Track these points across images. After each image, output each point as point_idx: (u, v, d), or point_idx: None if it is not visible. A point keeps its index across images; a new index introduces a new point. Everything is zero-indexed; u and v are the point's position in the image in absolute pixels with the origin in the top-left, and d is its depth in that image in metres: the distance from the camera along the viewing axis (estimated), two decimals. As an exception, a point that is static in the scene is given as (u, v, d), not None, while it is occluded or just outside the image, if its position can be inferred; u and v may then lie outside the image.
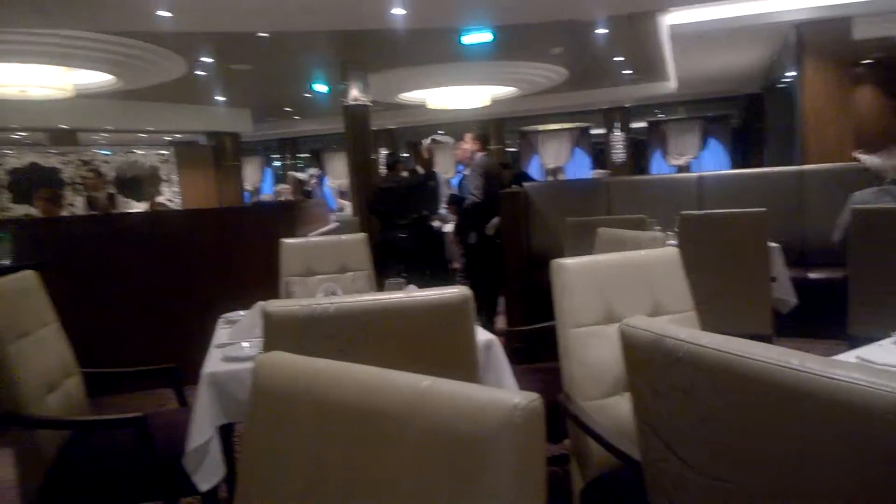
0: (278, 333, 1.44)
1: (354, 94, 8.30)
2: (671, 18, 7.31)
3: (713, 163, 15.10)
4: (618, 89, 12.37)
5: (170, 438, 1.99)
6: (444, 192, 6.80)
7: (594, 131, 16.10)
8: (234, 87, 10.74)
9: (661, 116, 15.54)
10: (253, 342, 2.10)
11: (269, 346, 1.42)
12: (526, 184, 6.04)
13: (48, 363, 2.12)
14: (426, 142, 6.54)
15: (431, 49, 8.44)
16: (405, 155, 7.86)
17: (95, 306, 4.24)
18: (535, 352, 3.06)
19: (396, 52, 8.32)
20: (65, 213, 7.16)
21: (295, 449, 0.89)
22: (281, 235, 3.34)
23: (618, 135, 14.19)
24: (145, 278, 4.43)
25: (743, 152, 14.77)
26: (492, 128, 14.49)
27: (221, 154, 13.82)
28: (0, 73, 7.45)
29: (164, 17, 5.84)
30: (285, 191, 8.85)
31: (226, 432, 1.98)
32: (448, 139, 6.60)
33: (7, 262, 3.64)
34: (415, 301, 1.51)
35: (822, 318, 3.72)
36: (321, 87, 10.53)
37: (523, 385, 2.03)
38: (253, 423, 0.96)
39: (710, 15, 7.11)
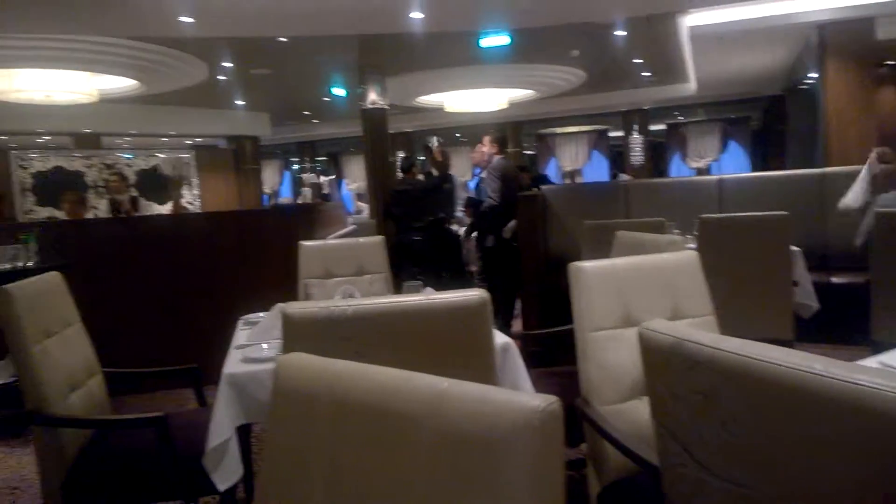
0: (297, 335, 1.45)
1: (372, 97, 8.34)
2: (691, 20, 7.25)
3: (733, 165, 14.95)
4: (636, 91, 12.29)
5: (189, 438, 2.01)
6: (461, 195, 6.80)
7: (612, 134, 16.02)
8: (253, 91, 10.85)
9: (680, 119, 15.42)
10: (272, 344, 2.12)
11: (288, 347, 1.43)
12: (544, 187, 6.03)
13: (72, 363, 2.15)
14: (434, 143, 6.53)
15: (449, 52, 8.46)
16: (421, 158, 7.89)
17: (117, 307, 4.30)
18: (552, 355, 3.04)
19: (414, 55, 8.35)
20: (89, 215, 7.27)
21: (314, 449, 0.90)
22: (299, 238, 3.36)
23: (636, 137, 14.09)
24: (166, 280, 4.49)
25: (764, 155, 14.60)
26: (509, 130, 14.48)
27: (241, 157, 13.96)
28: (27, 78, 7.60)
29: (187, 22, 5.92)
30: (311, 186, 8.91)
31: (243, 433, 1.99)
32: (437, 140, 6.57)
33: (32, 263, 3.70)
34: (433, 304, 1.51)
35: (845, 323, 3.66)
36: (339, 91, 10.60)
37: (540, 389, 2.03)
38: (274, 424, 0.97)
39: (731, 16, 7.04)
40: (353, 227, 6.80)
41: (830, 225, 4.69)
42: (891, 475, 0.77)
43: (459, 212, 6.83)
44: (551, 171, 16.05)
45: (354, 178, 17.09)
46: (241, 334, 2.39)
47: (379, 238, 3.43)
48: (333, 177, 11.49)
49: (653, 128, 14.83)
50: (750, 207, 3.80)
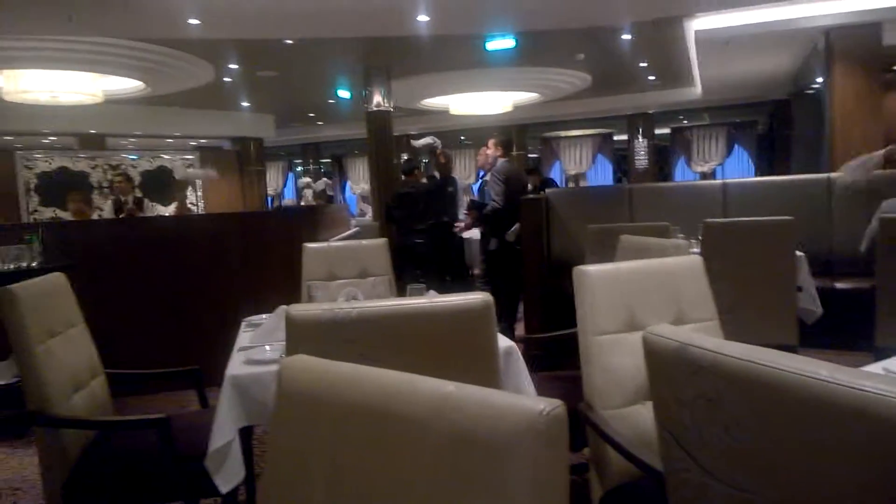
0: (301, 337, 1.45)
1: (377, 100, 8.36)
2: (697, 24, 7.24)
3: (738, 170, 14.92)
4: (642, 95, 12.29)
5: (191, 439, 2.01)
6: (461, 198, 6.82)
7: (617, 137, 16.01)
8: (258, 92, 10.89)
9: (685, 123, 15.40)
10: (275, 346, 2.12)
11: (291, 349, 1.43)
12: (547, 190, 6.02)
13: (75, 363, 2.16)
14: (421, 142, 6.53)
15: (454, 55, 8.47)
16: (425, 161, 7.90)
17: (120, 308, 4.31)
18: (555, 359, 3.04)
19: (419, 58, 8.37)
20: (93, 216, 7.29)
21: (317, 451, 0.90)
22: (303, 240, 3.37)
23: (641, 141, 14.08)
24: (170, 281, 4.50)
25: (769, 159, 14.57)
26: (514, 134, 14.49)
27: (245, 159, 14.00)
28: (32, 79, 7.64)
29: (194, 24, 5.95)
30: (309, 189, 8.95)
31: (245, 435, 1.99)
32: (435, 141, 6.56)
33: (36, 264, 3.71)
34: (437, 307, 1.51)
35: (849, 329, 3.65)
36: (344, 94, 10.63)
37: (543, 392, 2.02)
38: (277, 426, 0.97)
39: (738, 21, 7.03)
40: (357, 229, 6.81)
41: (835, 230, 4.67)
42: (894, 481, 0.76)
43: (462, 214, 6.83)
44: (555, 174, 16.04)
45: (358, 181, 17.12)
46: (244, 336, 2.39)
47: (382, 240, 3.43)
48: (330, 181, 11.49)
49: (658, 132, 14.81)
50: (755, 212, 3.79)
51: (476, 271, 6.96)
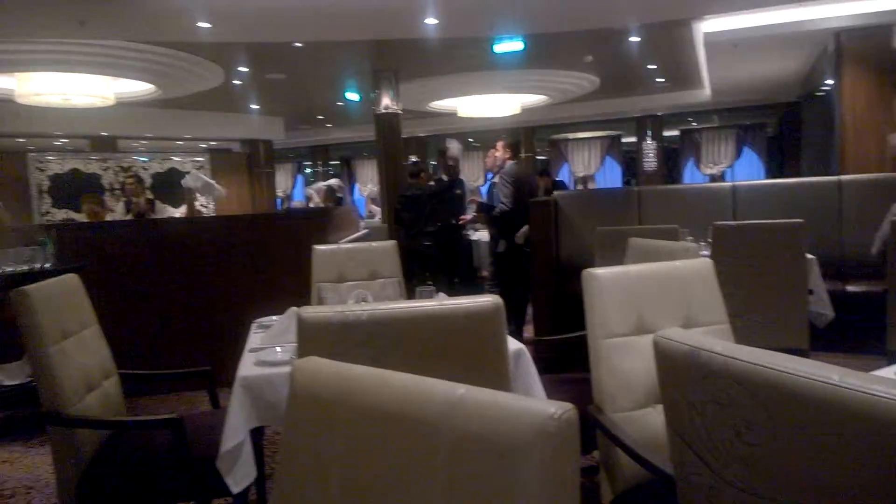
0: (312, 339, 1.46)
1: (386, 102, 8.38)
2: (706, 26, 7.22)
3: (748, 172, 14.84)
4: (650, 97, 12.26)
5: (203, 440, 2.03)
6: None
7: (625, 139, 15.97)
8: (268, 95, 10.95)
9: (694, 125, 15.34)
10: (286, 347, 2.13)
11: (302, 351, 1.44)
12: (556, 192, 6.02)
13: (89, 364, 2.18)
14: (451, 146, 6.54)
15: (463, 58, 8.49)
16: (433, 163, 7.92)
17: (131, 309, 4.34)
18: (564, 361, 3.04)
19: (428, 60, 8.39)
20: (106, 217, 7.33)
21: (330, 453, 0.90)
22: (312, 242, 3.38)
23: (650, 143, 14.04)
24: (181, 282, 4.53)
25: (779, 162, 14.49)
26: (522, 136, 14.49)
27: (255, 161, 14.07)
28: (45, 81, 7.71)
29: (204, 27, 5.99)
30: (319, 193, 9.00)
31: (256, 436, 2.00)
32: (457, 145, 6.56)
33: (49, 265, 3.75)
34: (447, 309, 1.52)
35: (861, 332, 3.63)
36: (353, 96, 10.66)
37: (552, 395, 2.03)
38: (289, 427, 0.98)
39: (747, 23, 7.00)
40: (366, 230, 6.83)
41: (847, 232, 4.65)
42: (908, 487, 0.76)
43: (470, 214, 6.83)
44: (563, 176, 16.02)
45: (367, 183, 17.16)
46: (255, 337, 2.41)
47: (391, 242, 3.45)
48: (341, 183, 11.49)
49: (666, 134, 14.77)
50: (764, 215, 3.77)
51: (484, 273, 6.97)
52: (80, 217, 8.95)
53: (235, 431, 1.84)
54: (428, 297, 2.32)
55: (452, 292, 2.08)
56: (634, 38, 7.79)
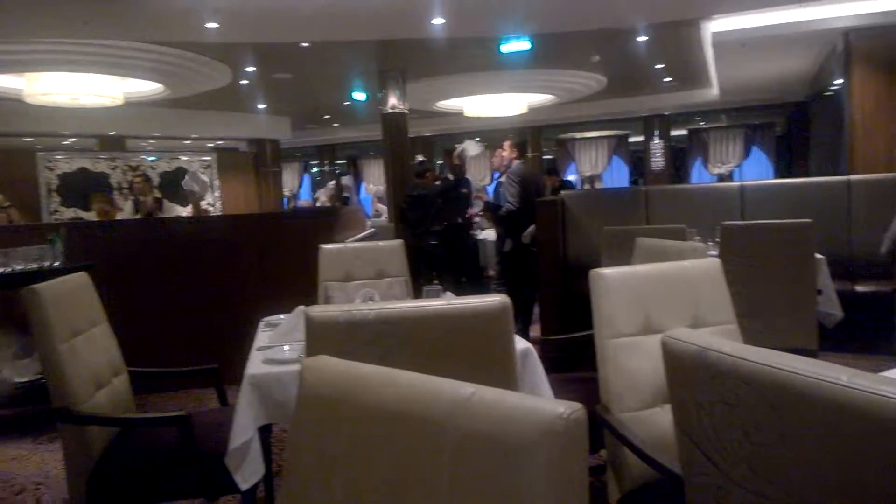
0: (320, 338, 1.46)
1: (392, 102, 8.39)
2: (714, 26, 7.19)
3: (756, 172, 14.77)
4: (658, 97, 12.22)
5: (211, 437, 2.04)
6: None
7: (633, 139, 15.92)
8: (275, 95, 10.98)
9: (702, 124, 15.28)
10: (293, 345, 2.14)
11: (311, 350, 1.45)
12: (563, 192, 6.02)
13: (98, 361, 2.19)
14: (459, 147, 6.55)
15: (469, 58, 8.49)
16: (440, 162, 7.93)
17: (140, 307, 4.37)
18: (571, 361, 3.04)
19: (435, 60, 8.39)
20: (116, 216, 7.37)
21: (338, 452, 0.91)
22: (319, 241, 3.39)
23: (657, 143, 14.00)
24: (188, 281, 4.56)
25: (787, 161, 14.41)
26: (529, 135, 14.46)
27: (262, 160, 14.10)
28: (54, 81, 7.76)
29: (212, 28, 6.01)
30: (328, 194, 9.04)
31: (263, 433, 2.01)
32: (477, 147, 6.57)
33: (58, 263, 3.77)
34: (455, 309, 1.52)
35: (870, 332, 3.61)
36: (360, 96, 10.68)
37: (559, 394, 2.03)
38: (298, 425, 0.98)
39: (755, 22, 6.97)
40: (373, 230, 6.84)
41: (855, 232, 4.62)
42: (918, 488, 0.76)
43: (478, 216, 6.83)
44: (570, 175, 15.97)
45: (374, 182, 17.18)
46: (263, 336, 2.42)
47: (398, 241, 3.45)
48: (349, 182, 11.53)
49: (674, 133, 14.71)
50: (773, 215, 3.76)
51: (491, 273, 6.97)
52: (89, 216, 9.01)
53: (244, 429, 1.85)
54: (435, 296, 2.33)
55: (459, 291, 2.08)
56: (642, 38, 7.77)
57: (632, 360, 1.77)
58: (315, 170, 18.60)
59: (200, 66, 8.20)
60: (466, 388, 0.81)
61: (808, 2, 6.35)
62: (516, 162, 5.49)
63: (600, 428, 1.79)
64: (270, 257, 4.66)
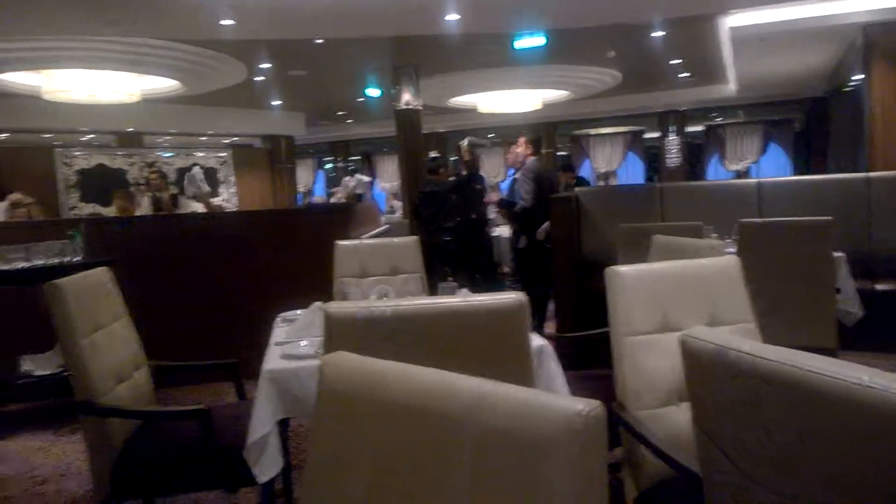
0: (338, 334, 1.48)
1: (406, 98, 8.40)
2: (732, 20, 7.12)
3: (774, 168, 14.60)
4: (673, 92, 12.12)
5: (230, 430, 2.06)
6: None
7: (648, 135, 15.80)
8: (289, 91, 11.03)
9: (719, 120, 15.13)
10: (310, 341, 2.15)
11: (329, 346, 1.46)
12: (578, 188, 6.00)
13: (119, 355, 2.23)
14: (464, 143, 6.54)
15: (484, 54, 8.47)
16: (454, 158, 7.93)
17: (158, 302, 4.41)
18: (586, 358, 3.03)
19: (449, 56, 8.38)
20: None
21: (358, 447, 0.92)
22: (334, 237, 3.41)
23: (673, 139, 13.88)
24: (205, 276, 4.60)
25: (806, 158, 14.23)
26: (543, 131, 14.41)
27: (276, 156, 14.18)
28: (72, 78, 7.85)
29: (228, 25, 6.05)
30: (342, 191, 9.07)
31: (281, 427, 2.03)
32: (484, 141, 6.59)
33: (79, 258, 3.83)
34: (471, 305, 1.53)
35: (890, 331, 3.56)
36: (374, 92, 10.70)
37: (574, 391, 2.02)
38: (318, 421, 0.99)
39: (774, 17, 6.88)
40: (387, 226, 6.86)
41: (875, 230, 4.56)
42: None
43: (492, 213, 6.82)
44: (585, 172, 15.89)
45: (388, 178, 17.21)
46: (280, 331, 2.43)
47: (413, 238, 3.46)
48: (366, 179, 11.53)
49: (690, 129, 14.59)
50: (791, 212, 3.72)
51: (505, 269, 6.96)
52: (107, 211, 9.11)
53: (262, 423, 1.87)
54: (450, 293, 2.33)
55: (473, 288, 2.09)
56: (658, 34, 7.71)
57: (648, 357, 1.77)
58: (329, 166, 18.66)
59: (216, 63, 8.26)
60: (485, 385, 0.82)
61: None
62: (531, 158, 5.48)
63: (616, 425, 1.79)
64: (286, 253, 4.69)
